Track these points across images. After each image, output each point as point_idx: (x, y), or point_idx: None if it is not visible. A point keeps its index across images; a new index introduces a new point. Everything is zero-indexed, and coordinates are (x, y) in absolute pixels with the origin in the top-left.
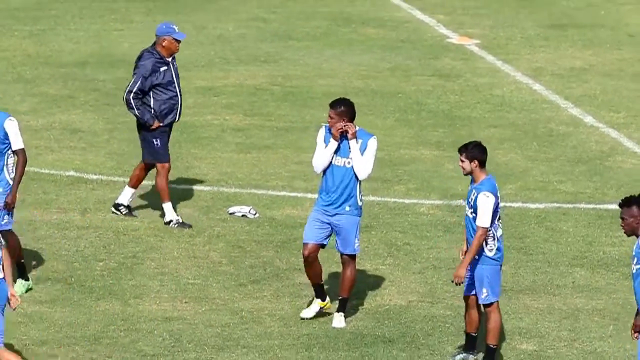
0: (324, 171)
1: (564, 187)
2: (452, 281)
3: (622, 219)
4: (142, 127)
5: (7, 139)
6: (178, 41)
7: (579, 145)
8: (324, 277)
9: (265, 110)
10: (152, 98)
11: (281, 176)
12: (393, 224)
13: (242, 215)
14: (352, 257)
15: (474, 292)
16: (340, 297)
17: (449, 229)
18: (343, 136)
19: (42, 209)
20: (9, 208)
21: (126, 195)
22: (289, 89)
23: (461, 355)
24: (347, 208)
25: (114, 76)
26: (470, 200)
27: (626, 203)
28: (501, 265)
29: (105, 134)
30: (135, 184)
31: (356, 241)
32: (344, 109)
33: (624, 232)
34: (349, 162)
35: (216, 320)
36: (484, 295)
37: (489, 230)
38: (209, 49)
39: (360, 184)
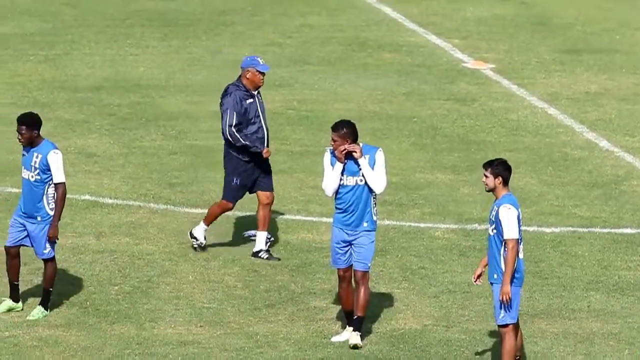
0: (336, 193)
1: (579, 211)
2: (500, 300)
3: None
4: (227, 163)
5: (49, 171)
6: (262, 73)
7: (594, 169)
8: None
9: (280, 134)
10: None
11: (296, 200)
12: (408, 248)
13: None
14: (366, 274)
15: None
16: (355, 317)
17: (464, 253)
18: (348, 156)
19: (58, 233)
20: (52, 241)
21: (261, 240)
22: (304, 113)
23: None
24: (365, 224)
25: (130, 101)
26: (491, 217)
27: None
28: (520, 288)
29: (121, 158)
30: (263, 226)
31: (371, 258)
32: (346, 130)
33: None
34: (361, 180)
35: (231, 344)
36: (501, 316)
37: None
38: (223, 73)
39: (374, 198)
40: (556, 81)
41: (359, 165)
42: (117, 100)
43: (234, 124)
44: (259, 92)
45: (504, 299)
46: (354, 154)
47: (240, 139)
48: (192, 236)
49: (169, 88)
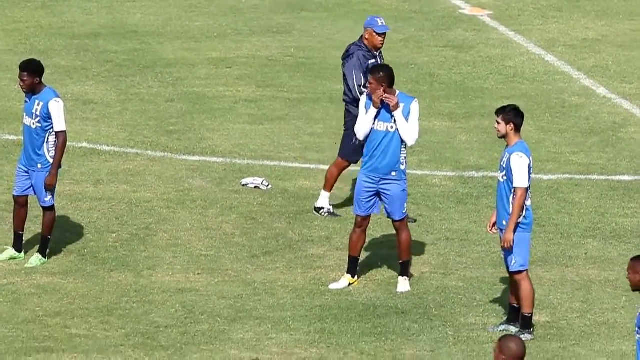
0: (367, 137)
1: (576, 158)
2: (502, 246)
3: (628, 272)
4: (347, 122)
5: (50, 119)
6: (380, 34)
7: (592, 116)
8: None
9: (277, 81)
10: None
11: (294, 148)
12: None
13: (255, 187)
14: (403, 220)
15: None
16: (401, 261)
17: (462, 201)
18: (383, 102)
19: (56, 182)
20: (48, 189)
21: (324, 199)
22: (301, 60)
23: (504, 326)
24: (393, 174)
25: (127, 47)
26: (502, 163)
27: (637, 258)
28: (529, 234)
29: (118, 105)
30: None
31: (405, 205)
32: (382, 74)
33: (630, 287)
34: (391, 127)
35: (229, 292)
36: (513, 262)
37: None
38: (221, 20)
39: (404, 147)
40: (553, 28)
41: (393, 115)
42: (114, 47)
43: (362, 83)
44: (380, 53)
45: (506, 245)
46: (390, 104)
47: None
48: (316, 210)
49: (166, 35)
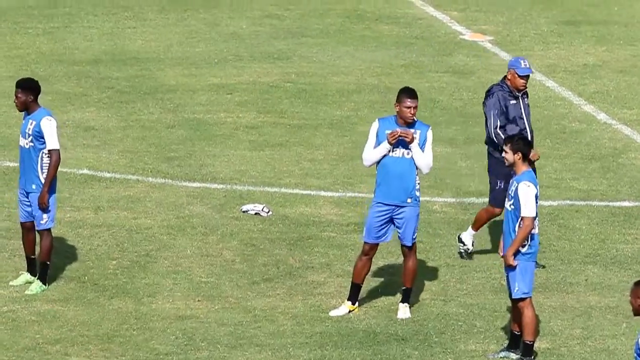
0: (380, 163)
1: (577, 184)
2: (506, 267)
3: (630, 296)
4: (490, 166)
5: (43, 138)
6: (521, 77)
7: (592, 142)
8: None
9: (278, 107)
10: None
11: (294, 174)
12: None
13: (256, 213)
14: (411, 248)
15: None
16: (403, 288)
17: (462, 227)
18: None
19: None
20: (42, 208)
21: (469, 237)
22: (302, 86)
23: (504, 353)
24: (409, 200)
25: (127, 74)
26: (510, 192)
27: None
28: (535, 263)
29: (119, 131)
30: (477, 227)
31: (416, 232)
32: (417, 98)
33: (633, 312)
34: (408, 153)
35: (229, 319)
36: (516, 289)
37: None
38: (222, 46)
39: (418, 174)
40: (554, 53)
41: (409, 147)
42: (115, 73)
43: (499, 125)
44: (525, 94)
45: (507, 264)
46: (406, 139)
47: (503, 142)
48: (460, 240)
49: (166, 61)
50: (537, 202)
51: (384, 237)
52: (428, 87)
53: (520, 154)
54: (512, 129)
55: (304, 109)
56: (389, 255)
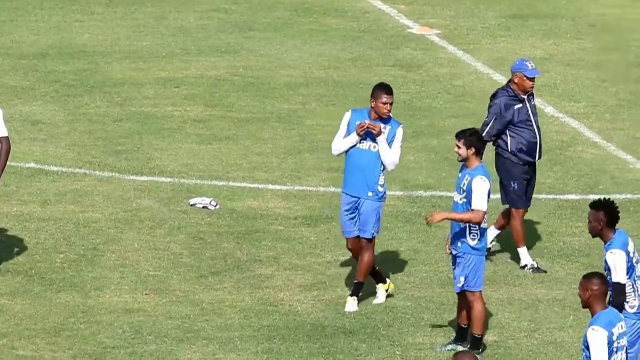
0: (347, 152)
1: None
2: (426, 219)
3: (588, 220)
4: (500, 168)
5: None
6: (530, 79)
7: None
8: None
9: (226, 101)
10: (508, 137)
11: (242, 167)
12: None
13: (203, 207)
14: (369, 241)
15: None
16: (355, 281)
17: (410, 220)
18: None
19: (2, 201)
20: None
21: (524, 255)
22: (250, 80)
23: (451, 346)
24: (370, 194)
25: (75, 67)
26: (462, 185)
27: (595, 205)
28: (484, 257)
29: (66, 125)
30: (500, 227)
31: (375, 226)
32: (392, 94)
33: (590, 233)
34: (374, 147)
35: (177, 312)
36: (461, 283)
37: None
38: (169, 40)
39: (383, 169)
40: (501, 47)
41: (377, 141)
42: (62, 67)
43: (493, 132)
44: (530, 95)
45: (429, 219)
46: (373, 132)
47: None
48: (523, 267)
49: (114, 54)
50: (489, 198)
51: (355, 231)
52: (376, 80)
53: (473, 149)
54: (521, 132)
55: (252, 103)
56: (336, 248)
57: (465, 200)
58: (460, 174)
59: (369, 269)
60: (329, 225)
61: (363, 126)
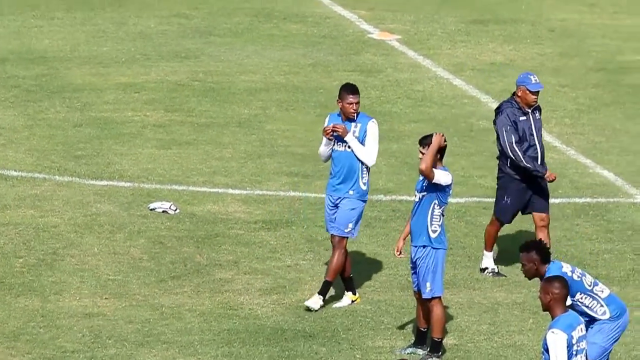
0: (332, 157)
1: (484, 181)
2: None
3: (522, 264)
4: (499, 180)
5: None
6: (533, 92)
7: None
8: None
9: (186, 106)
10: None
11: (202, 172)
12: (314, 219)
13: (163, 211)
14: (342, 239)
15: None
16: (325, 279)
17: (370, 224)
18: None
19: None
20: None
21: (488, 259)
22: (210, 85)
23: (411, 349)
24: (351, 192)
25: (34, 73)
26: (424, 185)
27: (525, 248)
28: (445, 252)
29: (26, 130)
30: (491, 245)
31: (350, 225)
32: (358, 93)
33: (526, 277)
34: (349, 147)
35: (136, 316)
36: (428, 289)
37: (440, 206)
38: (129, 45)
39: (365, 167)
40: (462, 52)
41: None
42: (21, 72)
43: (514, 140)
44: (536, 109)
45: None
46: (338, 132)
47: (523, 160)
48: (482, 270)
49: (74, 60)
50: (448, 193)
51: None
52: (336, 85)
53: (438, 155)
54: (522, 146)
55: (212, 108)
56: (296, 252)
57: (425, 193)
58: (420, 177)
59: (339, 268)
60: (288, 230)
61: (328, 130)
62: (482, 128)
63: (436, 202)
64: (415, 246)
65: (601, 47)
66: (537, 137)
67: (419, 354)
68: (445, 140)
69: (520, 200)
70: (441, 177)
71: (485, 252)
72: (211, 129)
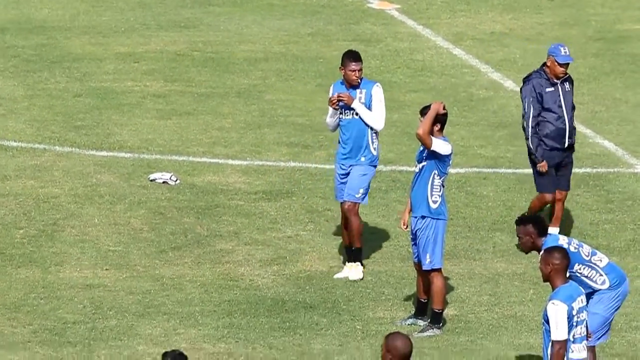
0: (340, 126)
1: (484, 151)
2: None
3: (519, 237)
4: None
5: None
6: (560, 64)
7: (500, 109)
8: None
9: (185, 76)
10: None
11: (202, 142)
12: (314, 189)
13: (163, 182)
14: (354, 205)
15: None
16: (353, 248)
17: (370, 195)
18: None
19: None
20: None
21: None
22: (209, 55)
23: (411, 320)
24: (363, 159)
25: (34, 42)
26: (423, 155)
27: (521, 221)
28: (445, 222)
29: (25, 100)
30: (555, 222)
31: (361, 191)
32: (361, 60)
33: (523, 251)
34: (356, 114)
35: (137, 287)
36: (428, 261)
37: (440, 177)
38: (129, 15)
39: (374, 133)
40: (461, 21)
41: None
42: (21, 42)
43: (532, 114)
44: (565, 81)
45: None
46: (344, 102)
47: (528, 136)
48: None
49: (73, 29)
50: (448, 163)
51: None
52: (336, 55)
53: (439, 125)
54: (549, 117)
55: (212, 78)
56: (296, 223)
57: (425, 162)
58: (420, 147)
59: (360, 231)
60: (289, 200)
61: (333, 100)
62: (482, 97)
63: (436, 172)
64: (415, 217)
65: (600, 16)
66: (565, 109)
67: (419, 325)
68: (445, 109)
69: (553, 168)
70: (440, 146)
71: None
72: (211, 99)
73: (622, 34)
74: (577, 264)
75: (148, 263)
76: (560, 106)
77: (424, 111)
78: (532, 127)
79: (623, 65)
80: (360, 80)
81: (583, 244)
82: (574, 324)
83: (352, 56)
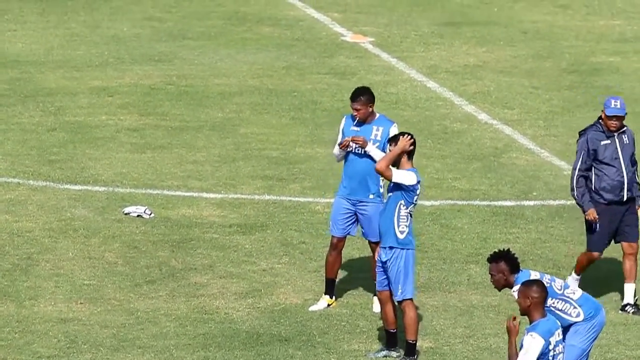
0: (346, 159)
1: (458, 184)
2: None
3: (491, 274)
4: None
5: None
6: (609, 117)
7: (474, 142)
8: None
9: (160, 109)
10: (593, 174)
11: (176, 176)
12: (289, 222)
13: (138, 216)
14: (378, 244)
15: (387, 287)
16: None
17: None
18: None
19: None
20: None
21: (629, 293)
22: (183, 89)
23: (384, 352)
24: (371, 196)
25: (8, 77)
26: (390, 186)
27: (493, 258)
28: (414, 251)
29: None
30: (629, 277)
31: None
32: (364, 98)
33: (495, 288)
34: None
35: (112, 321)
36: (399, 292)
37: (407, 207)
38: (103, 49)
39: None
40: (435, 54)
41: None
42: None
43: (577, 167)
44: (623, 133)
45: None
46: (358, 144)
47: (574, 188)
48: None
49: (47, 64)
50: (417, 194)
51: (348, 230)
52: (310, 88)
53: (405, 156)
54: (605, 170)
55: (186, 111)
56: (271, 256)
57: (391, 194)
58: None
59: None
60: (263, 233)
61: (346, 143)
62: (456, 130)
63: (402, 202)
64: (384, 247)
65: (574, 48)
66: (623, 161)
67: (392, 357)
68: (413, 143)
69: (611, 225)
70: (403, 177)
71: (573, 274)
72: (185, 132)
73: (595, 67)
74: (550, 298)
75: (122, 297)
76: (617, 158)
77: (391, 140)
78: (577, 181)
79: (597, 97)
80: (377, 116)
81: (555, 278)
82: (551, 357)
83: (351, 95)
